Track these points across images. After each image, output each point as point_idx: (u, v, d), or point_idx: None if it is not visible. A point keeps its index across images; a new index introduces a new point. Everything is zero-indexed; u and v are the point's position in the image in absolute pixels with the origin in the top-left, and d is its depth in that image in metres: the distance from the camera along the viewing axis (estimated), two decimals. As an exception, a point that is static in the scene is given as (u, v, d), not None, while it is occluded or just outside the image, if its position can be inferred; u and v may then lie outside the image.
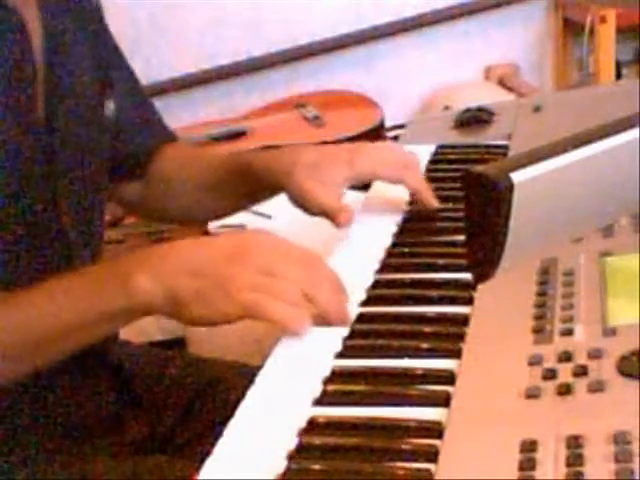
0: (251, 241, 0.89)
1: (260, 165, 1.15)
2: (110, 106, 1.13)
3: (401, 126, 1.65)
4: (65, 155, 1.04)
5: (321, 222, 1.12)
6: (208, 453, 0.74)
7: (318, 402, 0.79)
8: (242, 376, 1.12)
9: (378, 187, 1.23)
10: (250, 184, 1.17)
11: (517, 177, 0.69)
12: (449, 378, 0.78)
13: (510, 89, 2.88)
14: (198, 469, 0.73)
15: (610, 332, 0.76)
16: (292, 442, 0.73)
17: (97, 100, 1.12)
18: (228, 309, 0.84)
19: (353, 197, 1.20)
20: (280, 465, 0.71)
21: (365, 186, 1.22)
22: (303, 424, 0.75)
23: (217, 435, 0.76)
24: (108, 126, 1.13)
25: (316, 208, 1.09)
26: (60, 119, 1.03)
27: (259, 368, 0.84)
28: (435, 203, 1.12)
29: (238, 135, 2.62)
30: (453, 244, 1.03)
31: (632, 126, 0.74)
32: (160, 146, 1.26)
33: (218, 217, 1.36)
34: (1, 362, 0.91)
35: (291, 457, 0.72)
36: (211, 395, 1.17)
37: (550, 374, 0.73)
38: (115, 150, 1.16)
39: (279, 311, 0.84)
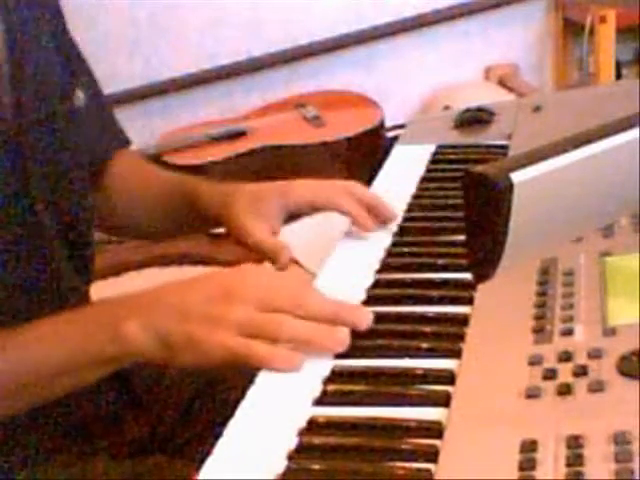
0: (238, 279, 0.89)
1: (206, 196, 1.14)
2: (80, 96, 1.11)
3: (401, 126, 1.64)
4: (36, 150, 1.02)
5: (321, 223, 1.12)
6: (208, 453, 0.74)
7: (318, 402, 0.79)
8: (242, 376, 1.12)
9: (378, 187, 1.23)
10: (194, 213, 1.17)
11: (517, 177, 0.69)
12: (449, 378, 0.78)
13: (510, 89, 2.88)
14: (198, 469, 0.73)
15: (610, 332, 0.76)
16: (292, 442, 0.73)
17: (66, 91, 1.09)
18: (216, 354, 0.83)
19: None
20: (280, 465, 0.71)
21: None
22: (303, 424, 0.75)
23: (217, 435, 0.76)
24: (79, 116, 1.11)
25: (253, 246, 1.07)
26: (28, 113, 1.01)
27: (259, 368, 0.84)
28: (370, 227, 1.10)
29: (238, 135, 2.62)
30: (453, 244, 1.03)
31: (632, 126, 0.74)
32: (116, 151, 1.25)
33: (162, 237, 1.34)
34: None
35: (291, 457, 0.72)
36: (211, 395, 1.16)
37: (550, 374, 0.73)
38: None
39: (267, 356, 0.83)
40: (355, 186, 1.13)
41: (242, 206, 1.10)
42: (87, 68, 1.21)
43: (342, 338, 0.84)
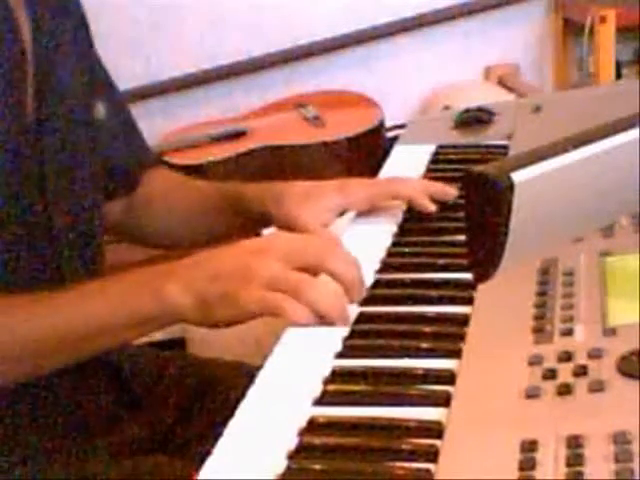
0: (271, 238, 0.94)
1: (251, 196, 1.17)
2: (100, 108, 1.14)
3: (401, 126, 1.65)
4: (55, 154, 1.04)
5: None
6: (208, 453, 0.74)
7: (318, 402, 0.79)
8: (242, 376, 1.12)
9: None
10: (241, 214, 1.19)
11: (517, 177, 0.69)
12: (449, 378, 0.78)
13: (510, 89, 2.87)
14: (198, 469, 0.73)
15: (610, 332, 0.76)
16: (292, 442, 0.73)
17: (86, 101, 1.12)
18: (250, 307, 0.86)
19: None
20: (280, 465, 0.71)
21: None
22: (303, 424, 0.75)
23: (217, 435, 0.76)
24: (98, 128, 1.13)
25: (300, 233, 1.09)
26: (49, 118, 1.03)
27: (259, 368, 0.84)
28: (431, 206, 1.13)
29: (238, 135, 2.61)
30: (453, 244, 1.03)
31: (632, 126, 0.74)
32: (146, 170, 1.27)
33: (201, 244, 1.37)
34: (24, 359, 0.93)
35: (291, 457, 0.72)
36: (211, 395, 1.17)
37: (550, 374, 0.73)
38: (104, 168, 1.16)
39: (297, 313, 0.86)
40: (408, 178, 1.21)
41: (295, 201, 1.12)
42: (110, 82, 1.23)
43: (348, 320, 0.89)
